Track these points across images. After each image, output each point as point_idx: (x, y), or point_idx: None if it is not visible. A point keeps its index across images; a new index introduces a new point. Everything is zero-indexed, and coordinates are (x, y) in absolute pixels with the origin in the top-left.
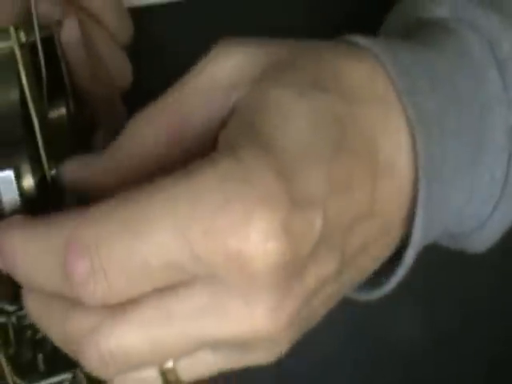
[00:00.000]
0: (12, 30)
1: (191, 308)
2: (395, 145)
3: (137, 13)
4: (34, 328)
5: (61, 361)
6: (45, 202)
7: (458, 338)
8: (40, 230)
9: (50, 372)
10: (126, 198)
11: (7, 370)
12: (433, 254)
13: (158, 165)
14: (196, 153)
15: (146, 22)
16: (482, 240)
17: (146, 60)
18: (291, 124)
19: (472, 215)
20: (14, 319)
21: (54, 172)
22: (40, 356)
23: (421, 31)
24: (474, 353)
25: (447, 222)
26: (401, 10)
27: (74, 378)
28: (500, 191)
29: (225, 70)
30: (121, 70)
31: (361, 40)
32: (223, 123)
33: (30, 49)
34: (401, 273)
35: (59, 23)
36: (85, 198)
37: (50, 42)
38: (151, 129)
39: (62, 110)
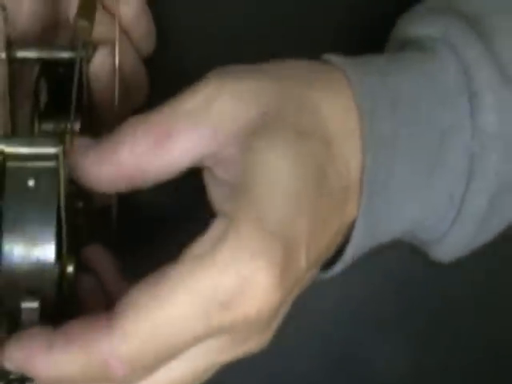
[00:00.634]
0: (61, 152)
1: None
2: (356, 165)
3: None
4: None
5: None
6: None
7: (444, 372)
8: (75, 348)
9: None
10: (148, 306)
11: None
12: (418, 289)
13: (138, 170)
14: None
15: None
16: (443, 252)
17: None
18: (279, 182)
19: (431, 228)
20: None
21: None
22: None
23: (403, 52)
24: None
25: (400, 228)
26: (396, 28)
27: None
28: (457, 211)
29: (213, 111)
30: (139, 83)
31: (337, 62)
32: (202, 159)
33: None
34: (339, 266)
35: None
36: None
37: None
38: (139, 138)
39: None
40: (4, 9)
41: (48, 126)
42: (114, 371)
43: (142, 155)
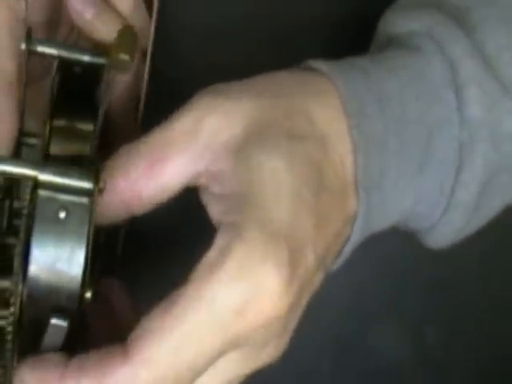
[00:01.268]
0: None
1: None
2: (351, 163)
3: None
4: None
5: None
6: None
7: (445, 357)
8: (88, 380)
9: None
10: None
11: None
12: (421, 274)
13: (134, 196)
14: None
15: None
16: (435, 240)
17: None
18: (276, 184)
19: (422, 218)
20: None
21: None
22: None
23: (387, 49)
24: (462, 372)
25: (393, 219)
26: (381, 24)
27: None
28: (447, 201)
29: (203, 130)
30: (141, 77)
31: (322, 67)
32: (196, 178)
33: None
34: (348, 249)
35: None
36: None
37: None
38: (132, 165)
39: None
40: None
41: (60, 123)
42: None
43: (136, 181)
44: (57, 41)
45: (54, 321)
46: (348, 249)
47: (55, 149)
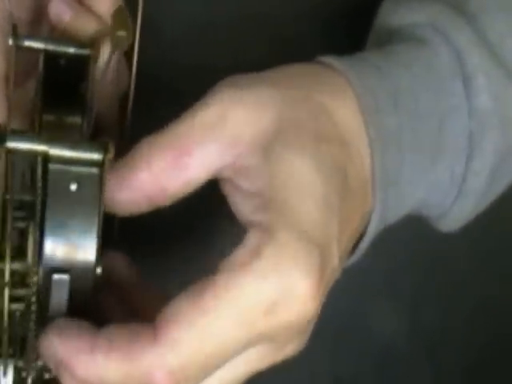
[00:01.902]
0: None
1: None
2: (370, 162)
3: None
4: None
5: None
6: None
7: (440, 339)
8: (119, 355)
9: None
10: (190, 321)
11: None
12: (419, 256)
13: (158, 189)
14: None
15: None
16: (447, 224)
17: None
18: (307, 188)
19: (434, 205)
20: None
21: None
22: None
23: (393, 43)
24: (458, 351)
25: (407, 210)
26: (379, 16)
27: None
28: (458, 188)
29: (228, 122)
30: (121, 72)
31: (336, 64)
32: (220, 171)
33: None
34: (364, 245)
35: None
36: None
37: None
38: (156, 157)
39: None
40: None
41: (48, 117)
42: (158, 382)
43: (160, 174)
44: (42, 35)
45: (56, 276)
46: (364, 245)
47: None
